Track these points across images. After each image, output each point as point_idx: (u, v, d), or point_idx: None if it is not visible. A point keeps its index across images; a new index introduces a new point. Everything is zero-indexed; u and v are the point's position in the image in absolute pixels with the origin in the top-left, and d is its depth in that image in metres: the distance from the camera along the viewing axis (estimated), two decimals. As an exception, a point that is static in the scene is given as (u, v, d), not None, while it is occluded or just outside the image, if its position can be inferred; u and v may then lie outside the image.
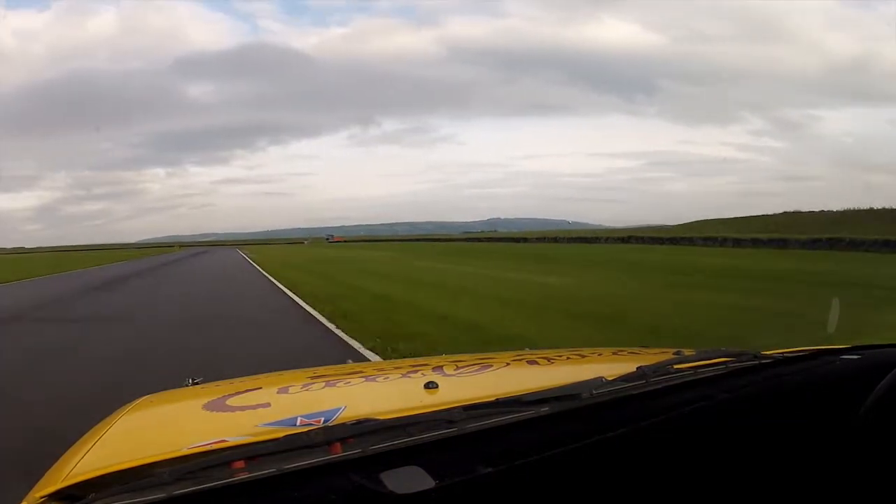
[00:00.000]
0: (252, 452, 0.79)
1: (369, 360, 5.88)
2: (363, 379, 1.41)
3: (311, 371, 1.55)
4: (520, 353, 1.69)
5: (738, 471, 0.95)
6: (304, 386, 1.40)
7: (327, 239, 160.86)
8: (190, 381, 1.56)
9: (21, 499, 0.84)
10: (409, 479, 0.78)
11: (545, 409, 0.92)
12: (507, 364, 1.53)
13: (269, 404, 1.28)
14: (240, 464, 0.77)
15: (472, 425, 0.87)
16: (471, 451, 0.85)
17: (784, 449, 0.99)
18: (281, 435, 0.83)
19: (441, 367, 1.45)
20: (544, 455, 0.87)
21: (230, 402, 1.24)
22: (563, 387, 0.98)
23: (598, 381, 0.99)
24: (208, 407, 1.22)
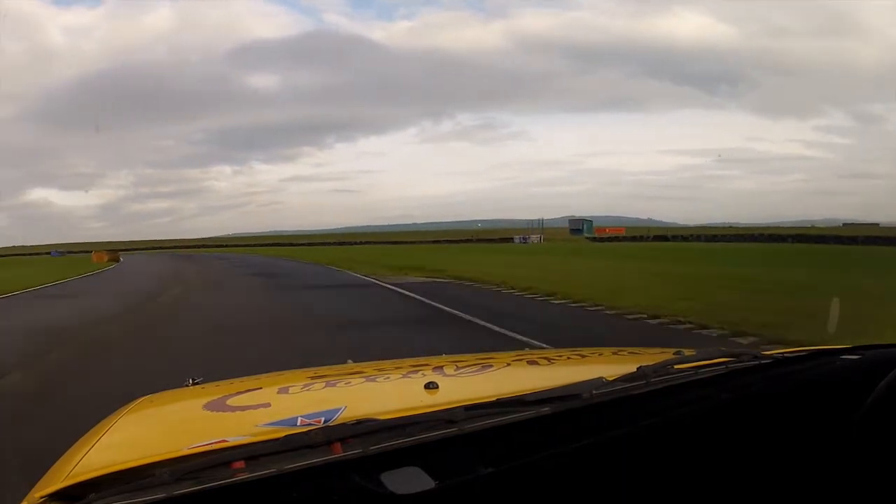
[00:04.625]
0: (252, 452, 0.79)
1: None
2: (363, 379, 1.41)
3: (311, 371, 1.55)
4: (520, 353, 1.69)
5: (739, 471, 0.95)
6: (304, 386, 1.40)
7: (577, 231, 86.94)
8: (190, 381, 1.56)
9: (21, 499, 0.85)
10: (409, 479, 0.78)
11: (546, 410, 0.92)
12: (508, 364, 1.53)
13: (269, 404, 1.28)
14: (240, 464, 0.77)
15: (473, 425, 0.87)
16: (471, 451, 0.85)
17: (784, 449, 0.99)
18: (281, 435, 0.82)
19: (441, 367, 1.45)
20: (545, 455, 0.87)
21: (230, 402, 1.24)
22: (563, 387, 0.98)
23: (599, 381, 0.99)
24: (208, 407, 1.22)
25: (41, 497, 0.80)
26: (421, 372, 1.42)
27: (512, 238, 78.34)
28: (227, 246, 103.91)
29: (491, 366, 1.45)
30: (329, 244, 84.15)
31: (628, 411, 0.97)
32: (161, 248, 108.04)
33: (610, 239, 72.33)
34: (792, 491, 0.96)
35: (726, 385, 1.07)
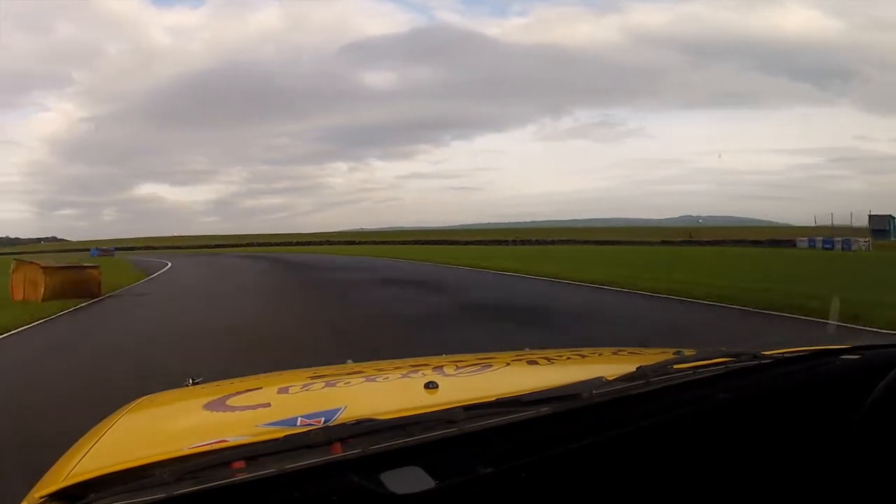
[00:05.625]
0: (252, 452, 0.79)
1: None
2: (363, 379, 1.41)
3: (311, 371, 1.55)
4: (520, 353, 1.69)
5: (739, 471, 0.95)
6: (304, 386, 1.40)
7: (882, 232, 52.63)
8: (190, 381, 1.56)
9: (21, 499, 0.85)
10: (409, 479, 0.78)
11: (545, 410, 0.92)
12: (508, 364, 1.53)
13: (269, 404, 1.28)
14: (240, 464, 0.77)
15: (473, 425, 0.87)
16: (471, 451, 0.84)
17: (784, 449, 0.99)
18: (281, 435, 0.82)
19: (441, 367, 1.45)
20: (544, 455, 0.87)
21: (230, 402, 1.24)
22: (563, 387, 0.98)
23: (598, 381, 0.99)
24: (208, 407, 1.22)
25: (41, 497, 0.79)
26: (421, 372, 1.42)
27: (793, 241, 49.68)
28: (352, 243, 75.23)
29: (491, 366, 1.45)
30: (486, 243, 61.81)
31: (628, 411, 0.97)
32: (278, 244, 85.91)
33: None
34: (792, 491, 0.96)
35: (726, 385, 1.07)
